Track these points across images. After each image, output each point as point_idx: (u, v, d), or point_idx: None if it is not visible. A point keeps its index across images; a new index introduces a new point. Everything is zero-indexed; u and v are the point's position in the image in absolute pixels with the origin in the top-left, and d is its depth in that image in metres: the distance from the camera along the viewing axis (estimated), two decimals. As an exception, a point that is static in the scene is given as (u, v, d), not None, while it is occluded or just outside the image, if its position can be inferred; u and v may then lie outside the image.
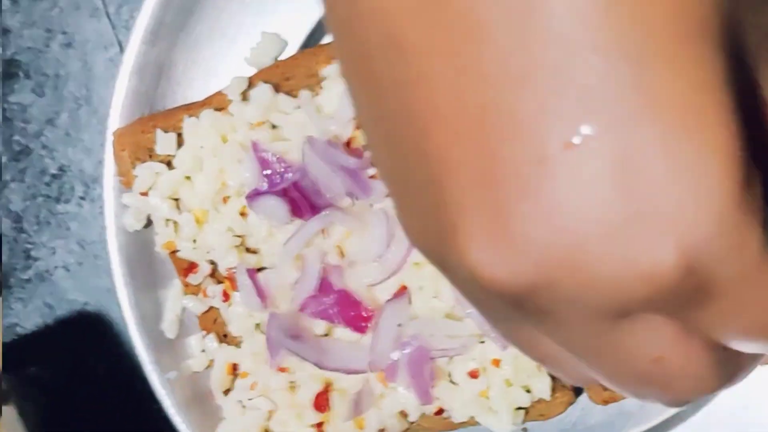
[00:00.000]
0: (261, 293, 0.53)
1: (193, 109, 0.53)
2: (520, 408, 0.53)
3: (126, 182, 0.52)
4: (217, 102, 0.54)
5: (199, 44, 0.55)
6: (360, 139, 0.53)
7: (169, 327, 0.54)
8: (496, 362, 0.54)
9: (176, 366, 0.55)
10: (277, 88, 0.54)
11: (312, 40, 0.57)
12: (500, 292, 0.17)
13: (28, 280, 0.55)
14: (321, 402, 0.54)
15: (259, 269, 0.54)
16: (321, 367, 0.53)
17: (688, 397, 0.20)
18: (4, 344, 0.54)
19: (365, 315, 0.54)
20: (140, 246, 0.54)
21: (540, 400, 0.53)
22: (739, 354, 0.20)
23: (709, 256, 0.16)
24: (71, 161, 0.55)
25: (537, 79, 0.16)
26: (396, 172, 0.18)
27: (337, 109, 0.53)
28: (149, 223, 0.54)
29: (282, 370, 0.54)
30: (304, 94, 0.54)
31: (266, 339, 0.53)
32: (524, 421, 0.53)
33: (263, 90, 0.54)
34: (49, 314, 0.56)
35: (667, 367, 0.19)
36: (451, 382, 0.54)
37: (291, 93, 0.55)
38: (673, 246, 0.16)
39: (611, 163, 0.15)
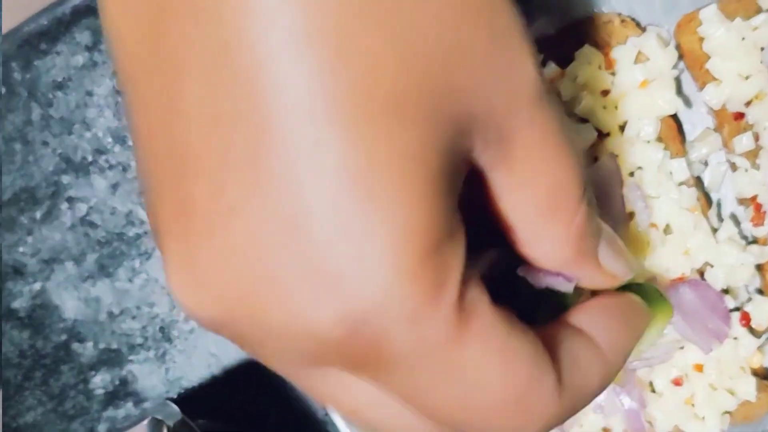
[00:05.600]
0: None
1: None
2: (726, 412, 0.52)
3: None
4: None
5: None
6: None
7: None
8: (699, 367, 0.50)
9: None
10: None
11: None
12: (195, 319, 0.17)
13: None
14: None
15: None
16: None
17: None
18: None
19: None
20: None
21: (744, 402, 0.49)
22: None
23: (374, 324, 0.16)
24: None
25: (229, 131, 0.16)
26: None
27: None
28: None
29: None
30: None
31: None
32: (729, 426, 0.50)
33: None
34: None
35: (366, 420, 0.19)
36: (653, 391, 0.49)
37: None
38: (334, 308, 0.16)
39: (282, 220, 0.15)
